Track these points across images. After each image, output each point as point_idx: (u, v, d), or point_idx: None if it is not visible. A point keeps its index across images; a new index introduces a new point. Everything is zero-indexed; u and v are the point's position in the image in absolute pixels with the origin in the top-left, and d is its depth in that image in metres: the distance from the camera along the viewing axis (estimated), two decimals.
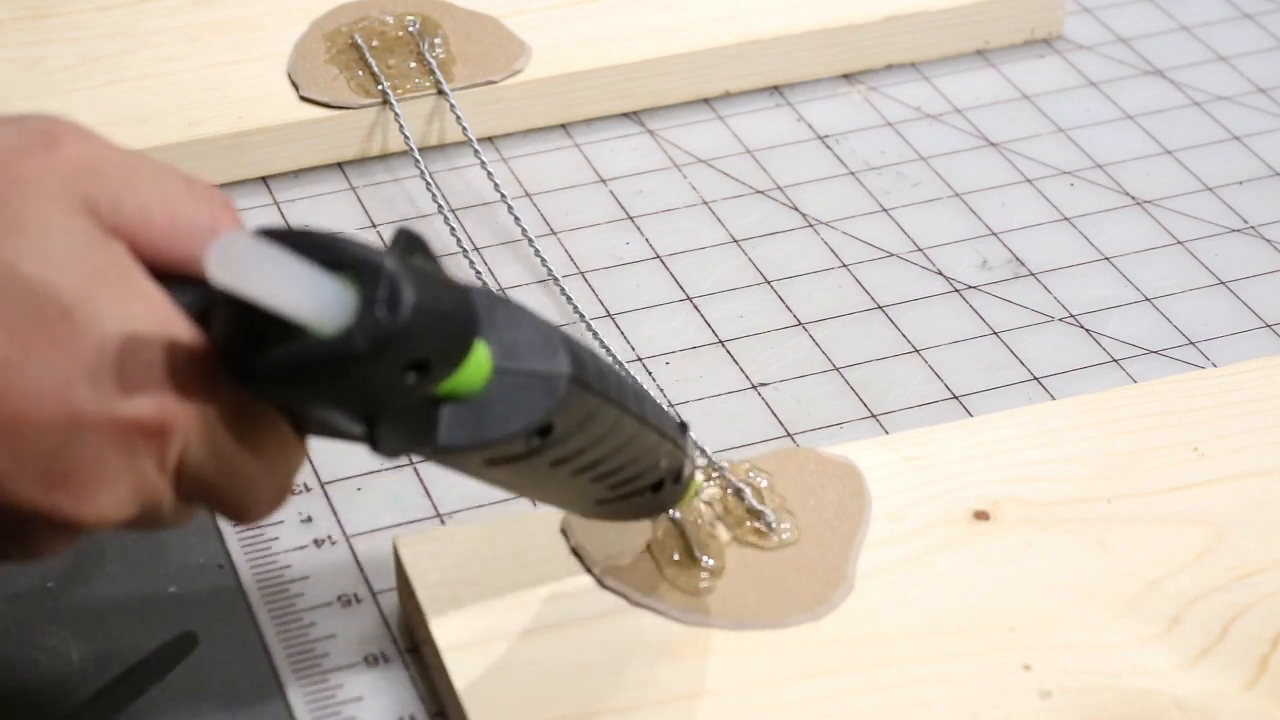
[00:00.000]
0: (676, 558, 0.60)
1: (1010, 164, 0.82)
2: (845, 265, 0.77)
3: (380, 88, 0.81)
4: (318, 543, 0.64)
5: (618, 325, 0.73)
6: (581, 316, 0.72)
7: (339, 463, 0.67)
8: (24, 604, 0.62)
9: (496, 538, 0.61)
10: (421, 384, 0.47)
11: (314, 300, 0.45)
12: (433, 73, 0.82)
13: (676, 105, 0.85)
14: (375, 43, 0.83)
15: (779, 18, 0.86)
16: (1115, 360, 0.72)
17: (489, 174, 0.77)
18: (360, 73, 0.82)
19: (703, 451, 0.63)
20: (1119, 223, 0.79)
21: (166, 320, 0.47)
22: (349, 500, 0.66)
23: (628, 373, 0.70)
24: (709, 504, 0.61)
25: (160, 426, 0.46)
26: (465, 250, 0.76)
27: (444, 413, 0.49)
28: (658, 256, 0.77)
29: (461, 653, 0.57)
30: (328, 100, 0.81)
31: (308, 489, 0.66)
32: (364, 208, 0.79)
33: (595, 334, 0.71)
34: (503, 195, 0.77)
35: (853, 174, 0.82)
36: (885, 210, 0.80)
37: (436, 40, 0.84)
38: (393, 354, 0.45)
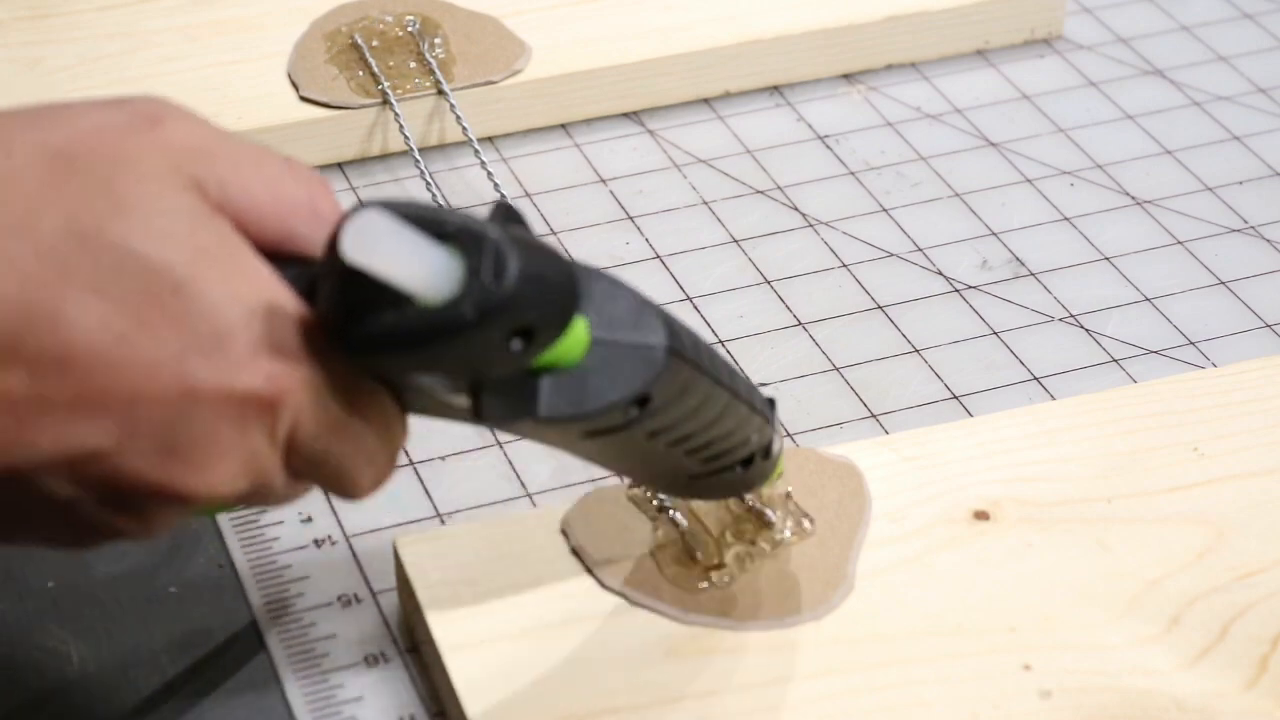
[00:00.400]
0: (677, 558, 0.60)
1: (1010, 164, 0.82)
2: (845, 265, 0.77)
3: (380, 88, 0.81)
4: (318, 543, 0.64)
5: None
6: None
7: None
8: (24, 604, 0.62)
9: (496, 538, 0.61)
10: (526, 352, 0.48)
11: (428, 271, 0.46)
12: (433, 73, 0.82)
13: (676, 105, 0.85)
14: (375, 43, 0.83)
15: (779, 18, 0.86)
16: (1115, 360, 0.72)
17: (489, 174, 0.77)
18: (360, 73, 0.82)
19: (786, 431, 0.63)
20: (1119, 223, 0.79)
21: (274, 295, 0.47)
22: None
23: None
24: (709, 504, 0.61)
25: (271, 398, 0.47)
26: None
27: (544, 384, 0.49)
28: (658, 256, 0.77)
29: (461, 653, 0.57)
30: (328, 100, 0.81)
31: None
32: None
33: None
34: (503, 195, 0.77)
35: (853, 174, 0.82)
36: (885, 210, 0.80)
37: (436, 40, 0.84)
38: (499, 321, 0.46)
